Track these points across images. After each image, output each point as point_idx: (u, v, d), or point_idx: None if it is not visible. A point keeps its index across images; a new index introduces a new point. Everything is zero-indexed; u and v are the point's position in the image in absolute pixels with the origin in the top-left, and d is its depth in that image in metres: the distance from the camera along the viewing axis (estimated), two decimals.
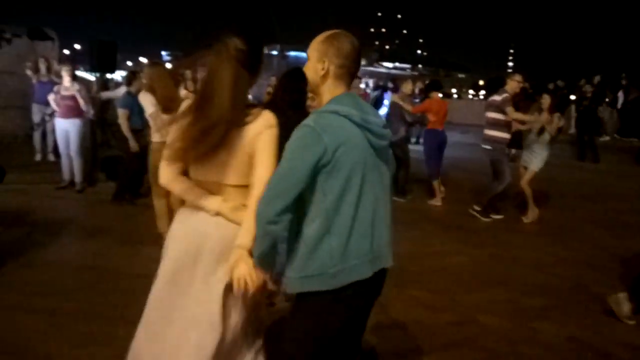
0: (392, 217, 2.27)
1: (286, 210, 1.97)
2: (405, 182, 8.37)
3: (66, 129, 7.62)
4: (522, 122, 7.43)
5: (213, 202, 2.23)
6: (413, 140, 16.74)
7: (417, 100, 16.75)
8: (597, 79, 15.90)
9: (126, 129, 6.75)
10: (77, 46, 47.63)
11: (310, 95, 4.47)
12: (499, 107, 7.06)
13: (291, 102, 3.90)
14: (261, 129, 2.16)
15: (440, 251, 5.91)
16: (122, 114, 6.75)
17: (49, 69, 9.64)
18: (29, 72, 9.63)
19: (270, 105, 3.95)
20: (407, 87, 9.39)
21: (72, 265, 5.02)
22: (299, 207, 2.03)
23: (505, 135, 7.13)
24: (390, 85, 14.93)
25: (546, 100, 7.08)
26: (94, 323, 3.84)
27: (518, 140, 9.67)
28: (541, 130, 7.02)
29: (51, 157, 9.89)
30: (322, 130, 1.96)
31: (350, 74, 2.11)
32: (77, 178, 7.86)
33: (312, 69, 2.13)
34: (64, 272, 4.83)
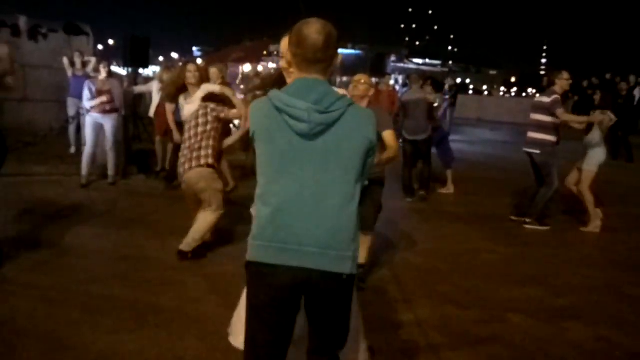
0: (363, 213, 2.25)
1: None
2: (428, 177, 8.27)
3: (100, 124, 7.74)
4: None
5: None
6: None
7: (446, 97, 16.71)
8: (632, 79, 15.56)
9: (171, 121, 6.99)
10: (110, 41, 48.47)
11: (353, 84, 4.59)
12: (548, 110, 6.65)
13: None
14: None
15: (470, 249, 5.88)
16: (168, 108, 6.92)
17: (84, 64, 9.82)
18: (66, 64, 9.82)
19: None
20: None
21: (105, 255, 5.14)
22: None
23: (554, 139, 6.71)
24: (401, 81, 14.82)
25: (597, 96, 6.87)
26: (126, 311, 3.93)
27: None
28: (588, 128, 6.74)
29: (73, 150, 10.07)
30: (251, 110, 2.11)
31: (305, 61, 2.06)
32: (111, 171, 8.01)
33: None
34: (98, 262, 4.95)
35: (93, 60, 9.92)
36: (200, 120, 4.94)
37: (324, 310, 2.14)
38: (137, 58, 11.26)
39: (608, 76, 15.81)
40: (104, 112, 7.66)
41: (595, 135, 6.71)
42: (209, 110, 4.98)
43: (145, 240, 5.55)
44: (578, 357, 3.65)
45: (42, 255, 4.97)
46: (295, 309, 2.12)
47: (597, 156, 6.75)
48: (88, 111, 7.68)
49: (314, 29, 2.02)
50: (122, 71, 23.13)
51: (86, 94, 7.68)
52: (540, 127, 6.74)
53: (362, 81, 4.56)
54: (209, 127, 4.95)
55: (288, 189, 2.01)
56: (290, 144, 2.00)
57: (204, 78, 5.26)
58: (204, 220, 5.02)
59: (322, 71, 2.08)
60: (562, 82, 6.82)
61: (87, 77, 9.33)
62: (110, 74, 8.07)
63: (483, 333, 3.93)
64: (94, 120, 7.73)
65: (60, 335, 3.55)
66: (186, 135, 4.98)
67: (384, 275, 4.94)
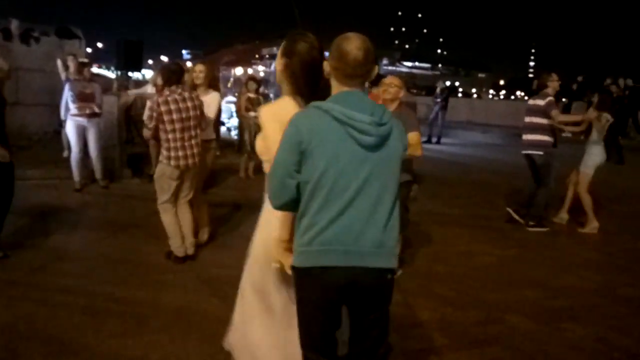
0: (401, 219, 2.31)
1: (288, 202, 2.21)
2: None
3: (84, 127, 7.70)
4: (575, 124, 7.20)
5: None
6: (434, 140, 16.74)
7: (438, 100, 16.81)
8: (621, 82, 15.75)
9: None
10: (99, 44, 48.34)
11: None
12: (544, 112, 6.76)
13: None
14: None
15: (466, 251, 5.91)
16: None
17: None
18: (59, 67, 9.78)
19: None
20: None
21: (104, 258, 5.13)
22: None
23: (549, 139, 6.83)
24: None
25: (595, 98, 6.98)
26: (127, 315, 3.94)
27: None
28: (588, 132, 6.84)
29: (66, 154, 10.04)
30: (299, 122, 2.12)
31: (345, 75, 2.15)
32: (98, 175, 7.97)
33: (324, 69, 2.28)
34: (97, 265, 4.95)
35: (86, 61, 9.90)
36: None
37: (372, 307, 2.24)
38: (130, 61, 11.28)
39: (609, 81, 15.91)
40: (88, 116, 7.62)
41: (593, 136, 6.81)
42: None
43: (143, 244, 5.55)
44: (577, 358, 3.69)
45: (41, 260, 4.95)
46: (342, 304, 2.27)
47: (593, 158, 6.84)
48: (70, 114, 7.61)
49: (354, 45, 2.11)
50: (111, 74, 23.09)
51: (67, 97, 7.62)
52: (537, 129, 6.84)
53: (394, 84, 4.62)
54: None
55: (349, 196, 2.11)
56: (353, 155, 2.10)
57: (211, 78, 5.30)
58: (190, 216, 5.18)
59: (361, 84, 2.19)
60: (554, 83, 6.96)
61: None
62: (92, 77, 8.04)
63: (483, 334, 3.97)
64: (78, 124, 7.66)
65: (62, 340, 3.54)
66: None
67: None
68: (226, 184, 8.78)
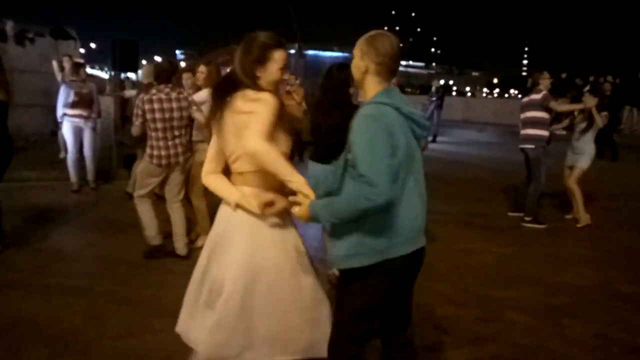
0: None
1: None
2: None
3: (80, 128, 7.70)
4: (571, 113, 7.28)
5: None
6: (430, 138, 16.78)
7: (433, 99, 16.86)
8: (610, 78, 15.84)
9: None
10: (92, 45, 48.14)
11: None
12: (541, 106, 6.90)
13: (336, 102, 4.14)
14: None
15: (465, 249, 5.94)
16: None
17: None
18: (55, 68, 9.77)
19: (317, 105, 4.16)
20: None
21: (104, 259, 5.14)
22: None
23: (546, 133, 6.97)
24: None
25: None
26: (130, 315, 3.95)
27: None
28: (588, 127, 6.92)
29: (62, 155, 10.05)
30: (382, 116, 2.17)
31: (389, 71, 2.30)
32: (91, 176, 7.97)
33: (355, 67, 2.32)
34: (97, 266, 4.95)
35: (81, 61, 9.88)
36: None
37: (411, 284, 2.53)
38: (125, 62, 11.21)
39: (591, 78, 16.09)
40: (85, 117, 7.62)
41: (589, 132, 6.92)
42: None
43: (142, 244, 5.52)
44: (578, 354, 3.72)
45: (41, 261, 4.96)
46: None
47: (591, 156, 6.97)
48: (66, 115, 7.61)
49: (395, 42, 2.27)
50: (105, 75, 22.97)
51: (63, 98, 7.63)
52: (534, 123, 6.97)
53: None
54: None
55: (418, 186, 2.32)
56: (411, 147, 2.26)
57: (214, 78, 5.30)
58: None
59: (392, 80, 2.36)
60: (546, 81, 7.12)
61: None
62: (88, 78, 8.04)
63: (484, 331, 3.99)
64: (74, 125, 7.66)
65: (66, 340, 3.55)
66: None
67: None
68: None
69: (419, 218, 2.33)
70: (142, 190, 5.07)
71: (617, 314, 4.39)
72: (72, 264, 4.97)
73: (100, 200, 7.43)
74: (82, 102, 7.58)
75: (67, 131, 7.68)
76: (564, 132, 7.35)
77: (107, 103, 8.87)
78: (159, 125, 4.84)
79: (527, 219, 7.09)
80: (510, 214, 7.33)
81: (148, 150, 4.93)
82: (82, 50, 15.20)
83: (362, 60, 2.29)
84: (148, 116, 4.82)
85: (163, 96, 4.86)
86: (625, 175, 9.84)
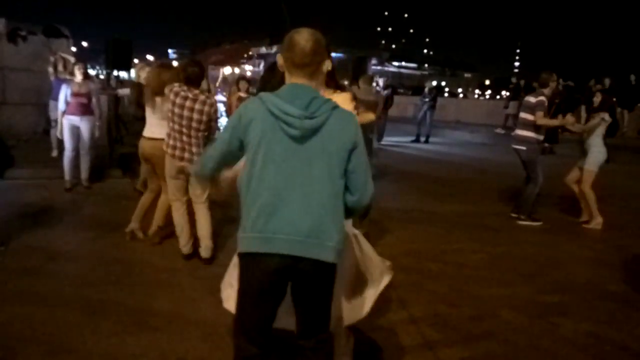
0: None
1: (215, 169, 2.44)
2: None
3: (77, 127, 7.68)
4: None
5: None
6: (422, 139, 16.83)
7: (426, 100, 16.89)
8: (607, 81, 15.92)
9: None
10: (84, 43, 47.88)
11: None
12: (532, 109, 6.94)
13: None
14: None
15: (457, 249, 5.97)
16: None
17: (65, 67, 9.74)
18: (50, 69, 9.74)
19: None
20: None
21: (98, 258, 5.11)
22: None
23: (540, 137, 7.03)
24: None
25: (597, 98, 7.15)
26: (124, 315, 3.94)
27: (553, 135, 9.61)
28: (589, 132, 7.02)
29: (54, 153, 10.00)
30: (243, 111, 2.28)
31: (294, 65, 2.26)
32: (84, 175, 7.93)
33: (278, 61, 2.38)
34: (91, 265, 4.93)
35: (72, 60, 9.85)
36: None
37: (307, 294, 2.33)
38: (119, 61, 11.21)
39: (591, 83, 16.19)
40: (81, 114, 7.60)
41: (596, 135, 6.98)
42: None
43: (137, 244, 5.54)
44: (570, 352, 3.76)
45: (34, 260, 4.94)
46: (280, 293, 2.32)
47: (597, 156, 7.01)
48: (64, 114, 7.58)
49: (303, 36, 2.22)
50: (94, 73, 22.92)
51: (62, 96, 7.58)
52: (525, 124, 7.02)
53: None
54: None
55: (278, 185, 2.19)
56: (282, 145, 2.20)
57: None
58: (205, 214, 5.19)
59: (309, 75, 2.26)
60: (554, 84, 7.20)
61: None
62: (87, 76, 8.02)
63: (477, 330, 4.02)
64: (71, 123, 7.64)
65: (60, 339, 3.54)
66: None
67: None
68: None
69: (266, 219, 2.19)
70: (171, 195, 5.13)
71: (608, 313, 4.44)
72: (66, 263, 4.96)
73: (94, 199, 7.41)
74: (80, 100, 7.56)
75: (65, 129, 7.66)
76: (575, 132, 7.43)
77: (101, 101, 8.82)
78: (177, 120, 4.83)
79: (522, 217, 7.20)
80: (513, 215, 7.41)
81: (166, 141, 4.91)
82: (73, 49, 15.15)
83: (279, 56, 2.34)
84: (176, 110, 4.80)
85: (190, 95, 4.82)
86: (616, 176, 9.90)
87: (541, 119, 6.92)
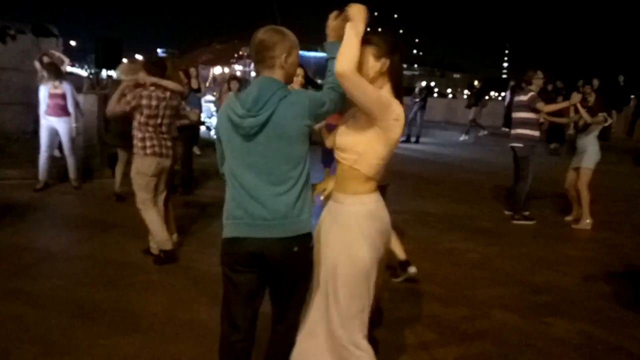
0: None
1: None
2: None
3: (55, 127, 7.64)
4: (559, 115, 7.54)
5: None
6: (413, 139, 16.86)
7: (417, 100, 16.95)
8: (596, 82, 16.02)
9: None
10: (73, 43, 47.51)
11: None
12: (528, 106, 7.10)
13: None
14: None
15: (451, 249, 5.99)
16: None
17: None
18: (37, 67, 9.64)
19: None
20: None
21: (89, 259, 5.08)
22: None
23: (536, 134, 7.17)
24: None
25: (592, 98, 7.22)
26: (117, 315, 3.91)
27: (559, 134, 9.65)
28: (585, 127, 7.08)
29: (57, 153, 9.94)
30: (219, 113, 2.51)
31: (254, 60, 2.42)
32: (72, 175, 7.89)
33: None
34: (83, 266, 4.90)
35: (66, 60, 9.78)
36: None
37: (277, 276, 2.43)
38: (109, 60, 11.15)
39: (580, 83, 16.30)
40: (57, 115, 7.55)
41: (592, 136, 7.07)
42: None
43: (128, 244, 5.50)
44: (563, 352, 3.77)
45: (25, 260, 4.90)
46: (259, 276, 2.42)
47: (593, 155, 7.08)
48: (43, 114, 7.56)
49: (257, 33, 2.37)
50: (84, 73, 22.73)
51: (41, 97, 7.59)
52: (523, 123, 7.17)
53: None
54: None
55: (243, 177, 2.34)
56: (239, 142, 2.34)
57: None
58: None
59: (269, 69, 2.36)
60: (538, 81, 7.30)
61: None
62: (61, 77, 7.94)
63: (471, 329, 4.03)
64: (49, 124, 7.63)
65: (53, 340, 3.51)
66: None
67: None
68: (208, 184, 8.75)
69: (238, 207, 2.36)
70: (143, 193, 4.93)
71: (600, 313, 4.46)
72: (57, 264, 4.92)
73: (85, 199, 7.36)
74: (55, 101, 7.51)
75: (42, 130, 7.65)
76: (571, 133, 7.48)
77: (90, 101, 8.77)
78: (151, 121, 4.81)
79: (516, 216, 7.30)
80: (506, 212, 7.54)
81: (139, 144, 4.83)
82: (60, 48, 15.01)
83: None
84: (145, 111, 4.77)
85: (160, 94, 4.86)
86: (605, 176, 9.96)
87: (547, 107, 7.10)
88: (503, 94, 38.75)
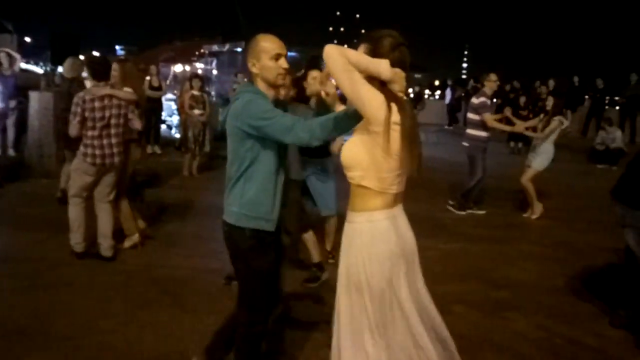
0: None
1: None
2: None
3: None
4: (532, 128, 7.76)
5: None
6: None
7: None
8: (551, 82, 16.44)
9: None
10: (27, 39, 46.21)
11: None
12: (475, 110, 7.43)
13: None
14: None
15: None
16: None
17: (11, 63, 9.36)
18: None
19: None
20: None
21: (47, 261, 4.93)
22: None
23: (482, 134, 7.44)
24: None
25: (550, 102, 7.49)
26: (77, 317, 3.85)
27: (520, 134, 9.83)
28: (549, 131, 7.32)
29: (11, 152, 9.66)
30: None
31: None
32: None
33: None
34: (42, 268, 4.76)
35: (18, 58, 9.50)
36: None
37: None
38: (64, 57, 10.87)
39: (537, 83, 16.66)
40: None
41: (549, 142, 7.32)
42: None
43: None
44: (522, 346, 3.86)
45: None
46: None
47: (544, 161, 7.35)
48: (13, 110, 7.29)
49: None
50: (40, 70, 22.15)
51: None
52: (472, 124, 7.55)
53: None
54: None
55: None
56: None
57: (126, 76, 5.23)
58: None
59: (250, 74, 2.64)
60: (490, 83, 7.60)
61: (15, 76, 9.00)
62: None
63: None
64: None
65: (9, 343, 3.42)
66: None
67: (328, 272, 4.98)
68: (170, 183, 8.63)
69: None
70: (74, 190, 4.92)
71: (558, 307, 4.58)
72: (13, 266, 4.77)
73: (42, 198, 7.15)
74: None
75: None
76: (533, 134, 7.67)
77: (45, 99, 8.53)
78: (98, 124, 4.74)
79: (451, 202, 7.85)
80: (449, 205, 7.89)
81: (82, 149, 4.78)
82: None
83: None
84: (87, 114, 4.70)
85: (110, 103, 4.79)
86: (560, 175, 10.23)
87: (491, 122, 7.43)
88: (438, 92, 39.46)
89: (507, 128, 8.15)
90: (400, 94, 2.21)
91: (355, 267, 2.28)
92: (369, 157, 2.22)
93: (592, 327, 4.23)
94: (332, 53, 2.12)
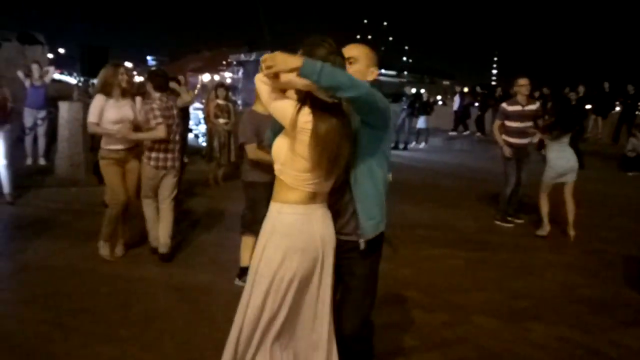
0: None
1: None
2: None
3: None
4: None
5: None
6: (401, 146, 16.89)
7: (405, 107, 16.98)
8: (581, 88, 16.19)
9: None
10: (61, 50, 47.30)
11: None
12: (504, 114, 7.40)
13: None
14: None
15: (432, 255, 6.01)
16: None
17: (42, 74, 9.64)
18: (20, 75, 9.63)
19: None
20: None
21: (68, 269, 5.02)
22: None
23: (506, 139, 7.35)
24: None
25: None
26: (96, 324, 3.90)
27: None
28: (540, 145, 7.23)
29: (42, 161, 9.91)
30: None
31: None
32: (7, 189, 7.20)
33: (363, 72, 2.63)
34: (61, 275, 4.84)
35: (51, 69, 9.75)
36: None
37: None
38: (95, 68, 11.12)
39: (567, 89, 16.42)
40: None
41: (550, 151, 7.08)
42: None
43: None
44: (542, 357, 3.80)
45: (2, 269, 4.89)
46: None
47: (545, 170, 7.06)
48: (43, 120, 7.46)
49: None
50: (73, 80, 22.67)
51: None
52: (505, 130, 7.42)
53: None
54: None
55: None
56: None
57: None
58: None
59: None
60: (518, 88, 7.36)
61: (45, 87, 9.23)
62: None
63: (451, 335, 4.05)
64: None
65: (32, 348, 3.50)
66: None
67: None
68: (195, 191, 8.73)
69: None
70: (143, 192, 5.35)
71: (579, 318, 4.50)
72: (33, 274, 4.86)
73: (68, 207, 7.30)
74: None
75: None
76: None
77: (75, 109, 8.74)
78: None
79: (497, 216, 7.62)
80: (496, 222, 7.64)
81: (147, 153, 5.17)
82: (50, 55, 14.99)
83: (374, 67, 2.72)
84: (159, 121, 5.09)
85: (169, 104, 5.26)
86: (589, 181, 10.06)
87: (495, 130, 7.55)
88: (439, 97, 39.07)
89: (500, 141, 7.52)
90: (329, 100, 2.25)
91: (256, 249, 2.48)
92: (285, 154, 2.35)
93: (614, 338, 4.13)
94: (259, 87, 2.39)
